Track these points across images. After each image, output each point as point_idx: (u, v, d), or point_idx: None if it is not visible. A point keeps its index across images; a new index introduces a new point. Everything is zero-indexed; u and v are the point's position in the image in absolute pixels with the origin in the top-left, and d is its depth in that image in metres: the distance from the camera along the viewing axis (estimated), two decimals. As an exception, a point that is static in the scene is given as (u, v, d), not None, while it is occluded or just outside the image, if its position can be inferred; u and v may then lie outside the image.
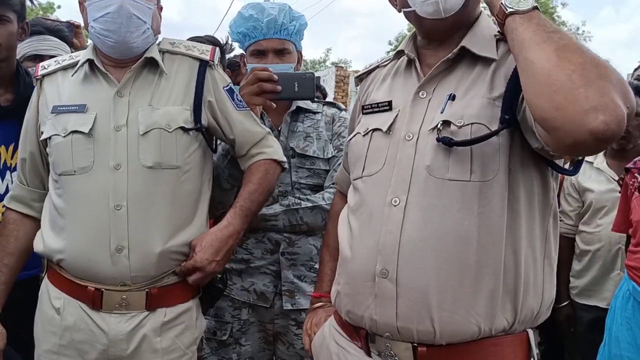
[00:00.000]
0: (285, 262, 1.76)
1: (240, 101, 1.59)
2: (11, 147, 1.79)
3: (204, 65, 1.54)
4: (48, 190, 1.53)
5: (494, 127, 1.04)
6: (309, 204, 1.75)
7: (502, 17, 1.01)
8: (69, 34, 2.42)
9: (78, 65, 1.52)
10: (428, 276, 1.05)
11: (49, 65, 1.58)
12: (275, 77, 1.57)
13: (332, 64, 19.68)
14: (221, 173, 1.68)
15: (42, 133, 1.51)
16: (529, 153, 1.07)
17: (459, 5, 1.12)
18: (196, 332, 1.54)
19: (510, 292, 1.07)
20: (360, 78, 1.44)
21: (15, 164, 1.72)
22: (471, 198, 1.05)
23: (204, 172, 1.55)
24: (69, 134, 1.44)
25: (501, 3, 1.00)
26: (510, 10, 0.98)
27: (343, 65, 21.94)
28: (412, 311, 1.06)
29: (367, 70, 1.42)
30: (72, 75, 1.53)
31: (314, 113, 1.87)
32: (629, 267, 2.02)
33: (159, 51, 1.53)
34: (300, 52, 1.90)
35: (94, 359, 1.43)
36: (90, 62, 1.49)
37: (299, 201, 1.76)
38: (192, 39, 2.40)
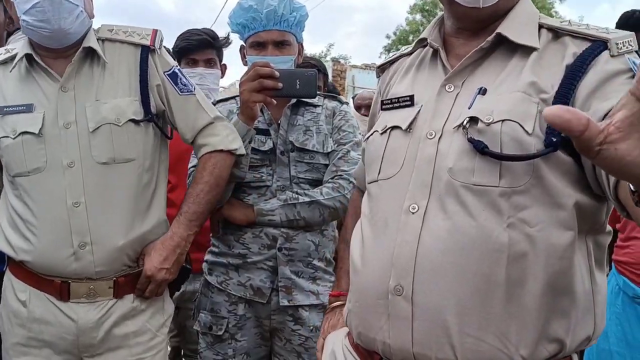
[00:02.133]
0: (282, 258, 1.74)
1: (185, 85, 1.54)
2: None
3: (145, 50, 1.50)
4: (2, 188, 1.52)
5: (529, 126, 0.90)
6: (307, 199, 1.73)
7: None
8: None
9: (16, 60, 1.47)
10: (448, 294, 0.91)
11: None
12: (277, 73, 1.53)
13: (332, 59, 19.60)
14: None
15: None
16: (576, 168, 0.92)
17: None
18: (165, 315, 1.60)
19: (556, 317, 0.91)
20: (383, 69, 1.30)
21: None
22: (500, 206, 0.90)
23: (159, 161, 1.56)
24: (18, 135, 1.42)
25: None
26: None
27: (342, 60, 21.89)
28: (429, 336, 0.92)
29: (389, 59, 1.28)
30: (10, 71, 1.49)
31: (315, 106, 1.84)
32: (618, 261, 2.03)
33: (98, 39, 1.49)
34: (301, 44, 1.87)
35: (64, 349, 1.45)
36: (28, 56, 1.45)
37: (296, 196, 1.73)
38: (188, 31, 2.38)
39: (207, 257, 1.88)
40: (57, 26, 1.37)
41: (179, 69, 1.57)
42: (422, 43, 1.17)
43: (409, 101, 1.10)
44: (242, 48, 1.87)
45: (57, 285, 1.43)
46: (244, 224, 1.75)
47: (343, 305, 1.24)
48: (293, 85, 1.54)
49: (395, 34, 25.48)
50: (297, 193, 1.74)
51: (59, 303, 1.44)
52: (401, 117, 1.08)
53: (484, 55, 1.03)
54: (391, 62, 1.27)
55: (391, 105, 1.13)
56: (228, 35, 2.51)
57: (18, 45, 1.51)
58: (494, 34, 1.01)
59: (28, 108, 1.43)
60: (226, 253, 1.80)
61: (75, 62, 1.44)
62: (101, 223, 1.42)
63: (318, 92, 1.84)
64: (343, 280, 1.32)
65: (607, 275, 2.15)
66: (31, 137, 1.41)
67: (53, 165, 1.41)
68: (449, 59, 1.08)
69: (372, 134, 1.17)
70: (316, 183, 1.78)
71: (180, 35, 2.38)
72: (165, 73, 1.52)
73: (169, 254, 1.49)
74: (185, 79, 1.57)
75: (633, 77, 0.90)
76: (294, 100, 1.81)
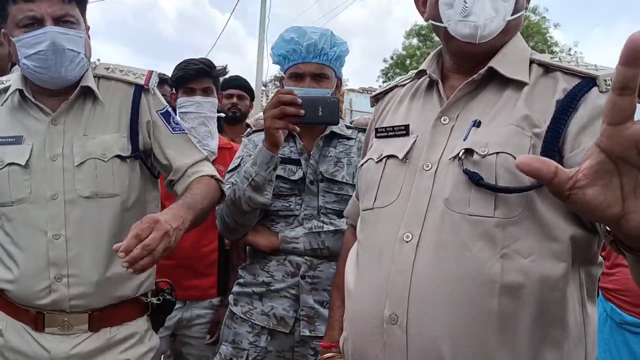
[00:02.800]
0: (305, 286, 1.71)
1: (177, 124, 1.56)
2: None
3: (139, 89, 1.53)
4: None
5: None
6: (332, 228, 1.71)
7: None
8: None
9: (9, 93, 1.49)
10: (442, 324, 0.92)
11: None
12: (299, 100, 1.53)
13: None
14: (242, 195, 1.64)
15: None
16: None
17: (497, 31, 1.03)
18: (146, 346, 1.55)
19: (548, 347, 0.92)
20: (377, 98, 1.34)
21: None
22: (494, 236, 0.92)
23: (146, 198, 1.55)
24: (5, 165, 1.43)
25: None
26: None
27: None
28: None
29: (384, 89, 1.33)
30: (2, 104, 1.50)
31: (348, 139, 1.84)
32: (605, 288, 2.06)
33: (95, 76, 1.52)
34: (340, 79, 1.88)
35: None
36: (20, 91, 1.47)
37: (321, 224, 1.72)
38: (185, 61, 2.41)
39: (234, 288, 1.87)
40: (58, 74, 1.40)
41: (171, 110, 1.59)
42: (421, 75, 1.20)
43: (404, 131, 1.12)
44: (281, 79, 1.88)
45: (32, 315, 1.43)
46: (268, 250, 1.74)
47: (335, 357, 1.24)
48: (315, 112, 1.53)
49: (392, 58, 25.66)
50: (322, 222, 1.73)
51: (34, 333, 1.44)
52: (397, 146, 1.11)
53: (477, 88, 1.06)
54: (385, 92, 1.31)
55: (386, 134, 1.16)
56: (225, 66, 2.58)
57: (12, 76, 1.52)
58: (485, 67, 1.04)
59: (17, 140, 1.45)
60: (251, 282, 1.78)
61: (70, 100, 1.46)
62: (80, 257, 1.42)
63: (351, 126, 1.87)
64: (335, 331, 1.29)
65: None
66: (17, 168, 1.42)
67: (37, 197, 1.42)
68: (445, 91, 1.11)
69: (366, 161, 1.19)
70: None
71: (178, 65, 2.42)
72: (158, 112, 1.54)
73: (180, 224, 1.28)
74: (177, 119, 1.58)
75: None
76: (327, 132, 1.81)
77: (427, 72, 1.16)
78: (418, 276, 0.95)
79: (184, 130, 1.58)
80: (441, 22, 1.06)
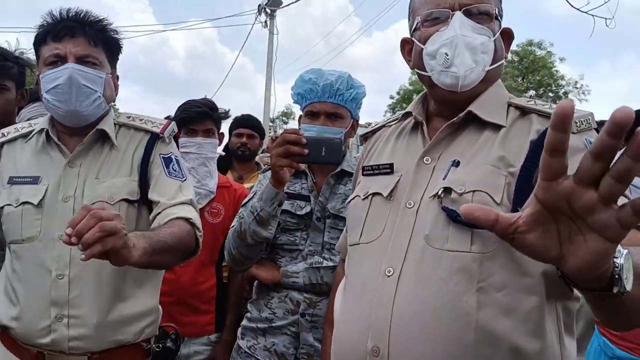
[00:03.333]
0: (305, 324, 1.73)
1: (175, 171, 1.58)
2: None
3: (154, 137, 1.57)
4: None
5: (498, 196, 0.98)
6: (331, 264, 1.74)
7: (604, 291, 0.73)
8: None
9: (34, 133, 1.56)
10: (422, 357, 0.95)
11: (8, 132, 1.61)
12: (304, 140, 1.56)
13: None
14: (247, 229, 1.69)
15: None
16: None
17: (477, 81, 1.10)
18: None
19: None
20: (365, 137, 1.41)
21: None
22: (471, 271, 0.97)
23: None
24: (20, 204, 1.47)
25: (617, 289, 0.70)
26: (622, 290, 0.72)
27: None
28: None
29: (371, 129, 1.39)
30: (25, 142, 1.57)
31: None
32: (599, 323, 2.08)
33: (116, 124, 1.58)
34: (356, 120, 1.93)
35: None
36: (45, 131, 1.53)
37: (321, 260, 1.75)
38: (187, 102, 2.46)
39: (243, 322, 1.90)
40: (73, 108, 1.46)
41: (177, 158, 1.60)
42: (407, 116, 1.26)
43: (389, 169, 1.17)
44: (300, 117, 1.95)
45: (33, 354, 1.44)
46: (269, 283, 1.77)
47: None
48: (319, 152, 1.56)
49: (398, 93, 25.99)
50: (323, 258, 1.75)
51: None
52: (382, 184, 1.16)
53: (458, 130, 1.12)
54: (373, 132, 1.37)
55: (372, 172, 1.21)
56: (228, 110, 2.64)
57: (41, 120, 1.60)
58: (465, 111, 1.11)
59: (34, 180, 1.49)
60: (256, 318, 1.81)
61: (86, 142, 1.51)
62: (81, 298, 1.42)
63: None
64: None
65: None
66: (31, 207, 1.46)
67: (46, 236, 1.44)
68: (429, 132, 1.17)
69: (354, 198, 1.24)
70: None
71: (181, 106, 2.48)
72: (161, 155, 1.57)
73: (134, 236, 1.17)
74: (180, 168, 1.58)
75: None
76: (338, 169, 1.85)
77: (413, 114, 1.21)
78: (399, 310, 0.98)
79: (180, 177, 1.57)
80: (425, 71, 1.14)
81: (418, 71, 1.16)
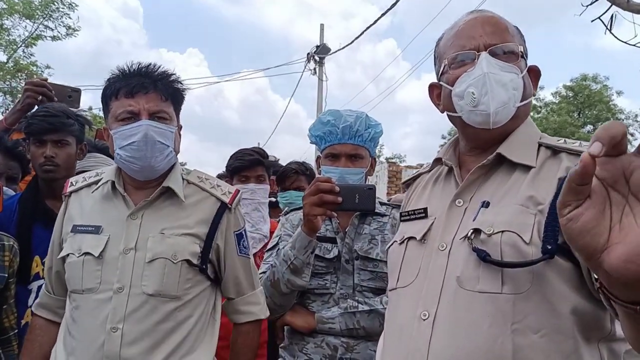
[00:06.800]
0: (343, 368, 1.71)
1: (245, 247, 1.64)
2: None
3: (223, 207, 1.60)
4: None
5: (527, 236, 0.97)
6: (366, 308, 1.73)
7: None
8: None
9: (100, 183, 1.60)
10: None
11: (76, 182, 1.66)
12: (337, 188, 1.58)
13: (385, 159, 19.98)
14: (280, 277, 1.71)
15: (61, 250, 1.57)
16: (576, 272, 0.96)
17: (509, 117, 1.11)
18: None
19: None
20: (407, 184, 1.44)
21: None
22: (504, 312, 0.95)
23: (207, 302, 1.58)
24: (82, 254, 1.50)
25: None
26: None
27: (396, 160, 22.19)
28: None
29: (412, 176, 1.42)
30: (92, 192, 1.61)
31: (382, 216, 1.89)
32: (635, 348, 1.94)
33: (186, 181, 1.60)
34: (374, 158, 1.97)
35: None
36: (111, 182, 1.57)
37: (356, 304, 1.74)
38: (240, 151, 2.57)
39: None
40: (148, 164, 1.49)
41: (245, 231, 1.68)
42: (439, 162, 1.28)
43: (423, 213, 1.20)
44: (318, 158, 1.99)
45: None
46: (304, 331, 1.76)
47: None
48: (352, 200, 1.57)
49: (450, 133, 25.77)
50: (357, 301, 1.75)
51: None
52: (416, 228, 1.18)
53: (489, 171, 1.13)
54: (414, 179, 1.40)
55: (408, 217, 1.24)
56: (277, 159, 2.71)
57: (107, 169, 1.65)
58: (494, 154, 1.11)
59: (96, 230, 1.52)
60: None
61: (151, 198, 1.53)
62: (133, 353, 1.42)
63: (386, 203, 1.93)
64: None
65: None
66: (91, 258, 1.48)
67: (104, 288, 1.46)
68: (462, 175, 1.18)
69: (392, 244, 1.27)
70: (379, 291, 1.78)
71: (234, 154, 2.61)
72: (235, 232, 1.62)
73: None
74: (247, 241, 1.68)
75: None
76: None
77: (443, 159, 1.24)
78: (434, 354, 0.99)
79: (249, 254, 1.66)
80: (455, 112, 1.16)
81: (448, 113, 1.18)
